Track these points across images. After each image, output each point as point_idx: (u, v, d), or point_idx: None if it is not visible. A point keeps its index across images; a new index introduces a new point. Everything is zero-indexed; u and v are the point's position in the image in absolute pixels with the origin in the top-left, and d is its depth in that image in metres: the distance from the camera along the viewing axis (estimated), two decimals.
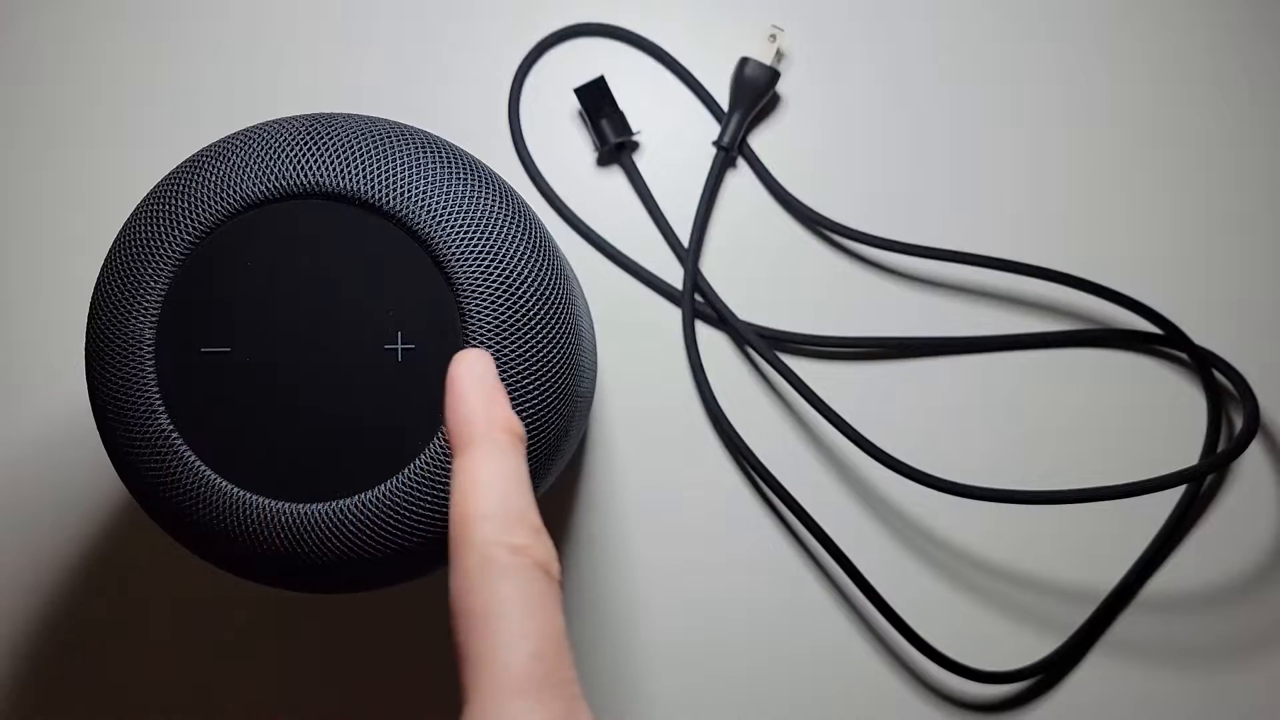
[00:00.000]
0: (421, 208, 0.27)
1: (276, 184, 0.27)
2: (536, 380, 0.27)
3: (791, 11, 0.42)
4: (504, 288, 0.27)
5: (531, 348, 0.27)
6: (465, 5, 0.42)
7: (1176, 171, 0.41)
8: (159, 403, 0.27)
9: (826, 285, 0.40)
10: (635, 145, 0.41)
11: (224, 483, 0.26)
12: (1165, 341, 0.40)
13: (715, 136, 0.41)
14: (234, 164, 0.27)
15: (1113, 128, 0.41)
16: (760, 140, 0.41)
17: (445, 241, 0.27)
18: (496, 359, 0.26)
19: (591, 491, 0.39)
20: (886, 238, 0.39)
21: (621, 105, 0.41)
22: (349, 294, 0.27)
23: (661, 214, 0.41)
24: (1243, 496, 0.39)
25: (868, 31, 0.42)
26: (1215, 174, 0.41)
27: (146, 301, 0.27)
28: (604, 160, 0.41)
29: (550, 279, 0.28)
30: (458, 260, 0.26)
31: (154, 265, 0.27)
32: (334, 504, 0.26)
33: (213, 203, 0.27)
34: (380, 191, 0.27)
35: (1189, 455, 0.39)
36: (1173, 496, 0.39)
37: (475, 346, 0.26)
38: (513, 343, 0.27)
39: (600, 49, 0.42)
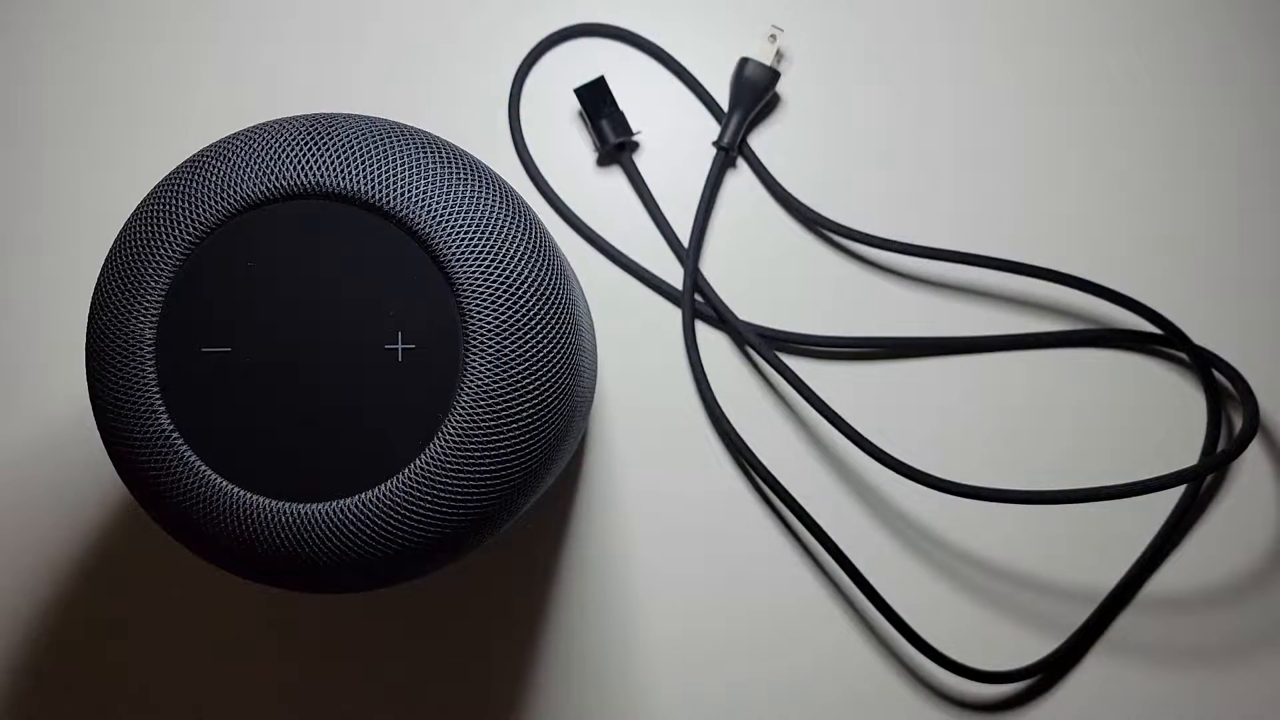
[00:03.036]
0: (421, 208, 0.27)
1: (276, 184, 0.27)
2: (536, 380, 0.27)
3: (791, 12, 0.42)
4: (504, 288, 0.27)
5: (531, 348, 0.27)
6: (465, 5, 0.42)
7: (1177, 172, 0.41)
8: (159, 403, 0.27)
9: (826, 285, 0.40)
10: (635, 145, 0.41)
11: (224, 482, 0.26)
12: (1165, 341, 0.40)
13: (715, 137, 0.41)
14: (234, 164, 0.27)
15: (1113, 128, 0.41)
16: (760, 140, 0.41)
17: (445, 241, 0.27)
18: (496, 359, 0.26)
19: (591, 491, 0.39)
20: (886, 238, 0.39)
21: (621, 105, 0.41)
22: (349, 294, 0.27)
23: (661, 214, 0.41)
24: (1242, 497, 0.39)
25: (867, 32, 0.42)
26: (1216, 174, 0.41)
27: (146, 301, 0.27)
28: (604, 160, 0.41)
29: (550, 279, 0.28)
30: (458, 260, 0.26)
31: (154, 265, 0.27)
32: (334, 504, 0.26)
33: (213, 203, 0.27)
34: (380, 191, 0.27)
35: (1188, 455, 0.39)
36: (1172, 496, 0.39)
37: (476, 347, 0.26)
38: (513, 343, 0.27)
39: (600, 49, 0.42)
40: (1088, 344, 0.40)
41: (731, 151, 0.41)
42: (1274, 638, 0.38)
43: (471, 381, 0.26)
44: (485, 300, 0.26)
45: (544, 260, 0.28)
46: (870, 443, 0.37)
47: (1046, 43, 0.42)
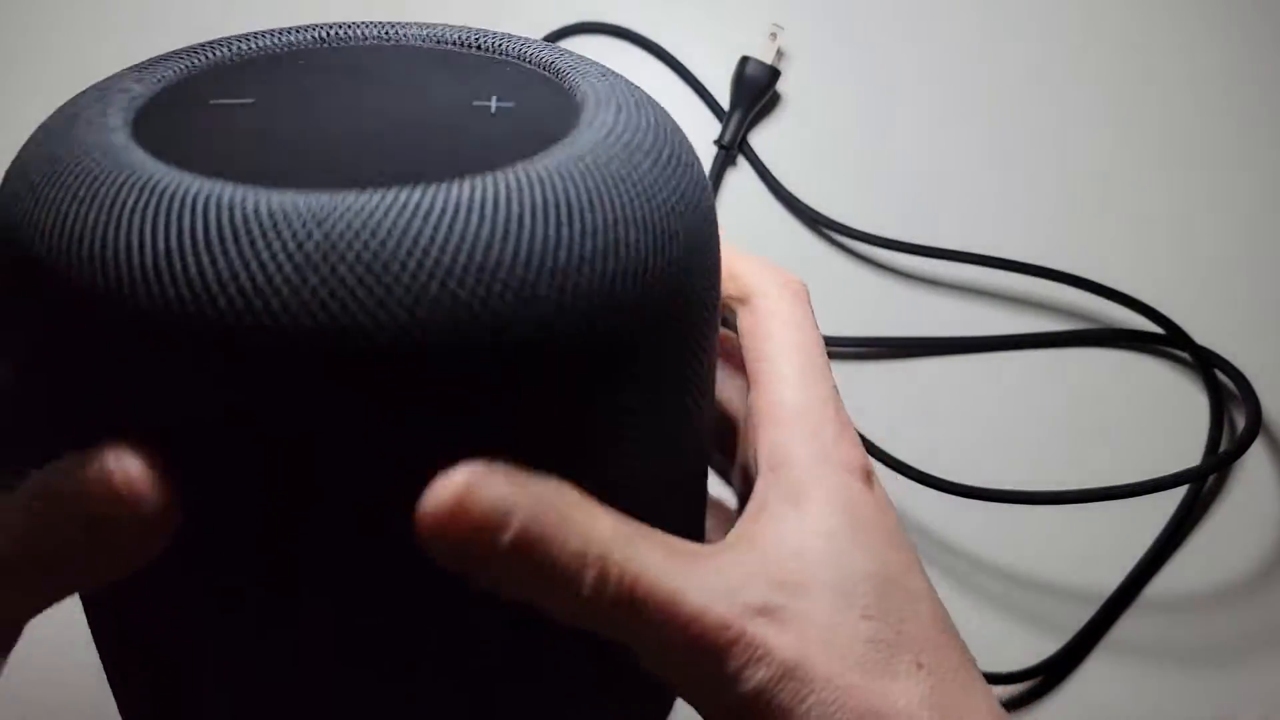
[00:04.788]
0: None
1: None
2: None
3: (792, 11, 0.42)
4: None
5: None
6: (465, 5, 0.42)
7: (1178, 171, 0.41)
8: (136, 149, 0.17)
9: (826, 285, 0.40)
10: None
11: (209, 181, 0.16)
12: (1167, 341, 0.39)
13: (716, 135, 0.41)
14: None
15: (1114, 128, 0.41)
16: (760, 139, 0.41)
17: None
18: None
19: None
20: (887, 237, 0.39)
21: None
22: (437, 76, 0.20)
23: None
24: (1244, 497, 0.39)
25: (867, 31, 0.42)
26: (1217, 174, 0.41)
27: (138, 70, 0.19)
28: None
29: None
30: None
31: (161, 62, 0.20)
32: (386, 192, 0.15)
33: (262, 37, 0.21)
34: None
35: (1191, 455, 0.39)
36: (1174, 497, 0.38)
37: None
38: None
39: (600, 48, 0.42)
40: (1088, 344, 0.40)
41: (732, 150, 0.41)
42: (1275, 638, 0.38)
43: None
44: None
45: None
46: (870, 443, 0.37)
47: (1047, 44, 0.42)
